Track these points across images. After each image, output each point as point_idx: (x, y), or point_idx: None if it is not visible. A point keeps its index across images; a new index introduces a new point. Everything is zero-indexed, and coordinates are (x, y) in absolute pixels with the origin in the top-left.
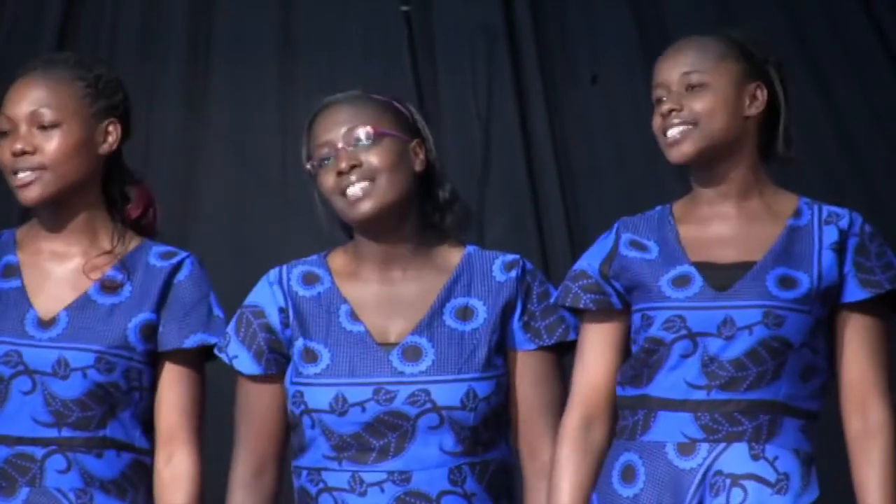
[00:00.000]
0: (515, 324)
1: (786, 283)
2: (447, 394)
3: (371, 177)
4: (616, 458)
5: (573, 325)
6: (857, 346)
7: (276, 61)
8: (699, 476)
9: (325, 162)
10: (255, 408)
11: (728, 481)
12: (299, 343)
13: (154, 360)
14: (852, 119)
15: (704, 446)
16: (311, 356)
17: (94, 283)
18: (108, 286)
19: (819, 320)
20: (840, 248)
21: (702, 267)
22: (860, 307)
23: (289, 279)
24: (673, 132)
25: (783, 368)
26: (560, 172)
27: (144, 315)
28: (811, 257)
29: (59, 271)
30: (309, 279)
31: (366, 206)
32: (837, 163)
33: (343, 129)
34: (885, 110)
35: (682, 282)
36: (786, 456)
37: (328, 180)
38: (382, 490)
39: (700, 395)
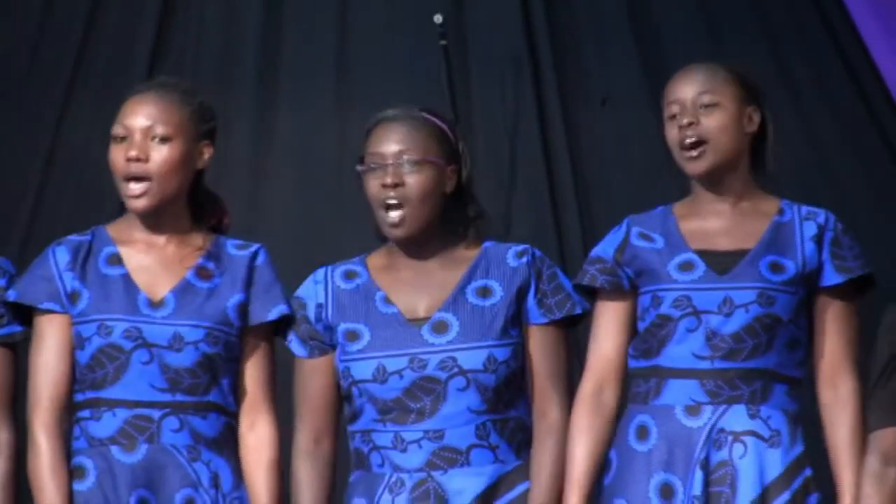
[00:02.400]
0: (530, 301)
1: (776, 268)
2: (471, 358)
3: (407, 199)
4: (631, 421)
5: (578, 301)
6: (831, 324)
7: (333, 85)
8: (705, 433)
9: (374, 170)
10: (309, 385)
11: (730, 437)
12: (341, 327)
13: (241, 335)
14: (822, 132)
15: (709, 408)
16: (353, 336)
17: (189, 270)
18: (203, 274)
19: (801, 300)
20: (818, 240)
21: (702, 254)
22: (834, 291)
23: (333, 277)
24: (692, 152)
25: (774, 341)
26: (576, 182)
27: (238, 296)
28: (795, 247)
29: (155, 260)
30: (349, 275)
31: (399, 232)
32: (810, 171)
33: (395, 148)
34: (850, 125)
35: (686, 267)
36: (777, 415)
37: (373, 186)
38: (420, 446)
39: (705, 364)
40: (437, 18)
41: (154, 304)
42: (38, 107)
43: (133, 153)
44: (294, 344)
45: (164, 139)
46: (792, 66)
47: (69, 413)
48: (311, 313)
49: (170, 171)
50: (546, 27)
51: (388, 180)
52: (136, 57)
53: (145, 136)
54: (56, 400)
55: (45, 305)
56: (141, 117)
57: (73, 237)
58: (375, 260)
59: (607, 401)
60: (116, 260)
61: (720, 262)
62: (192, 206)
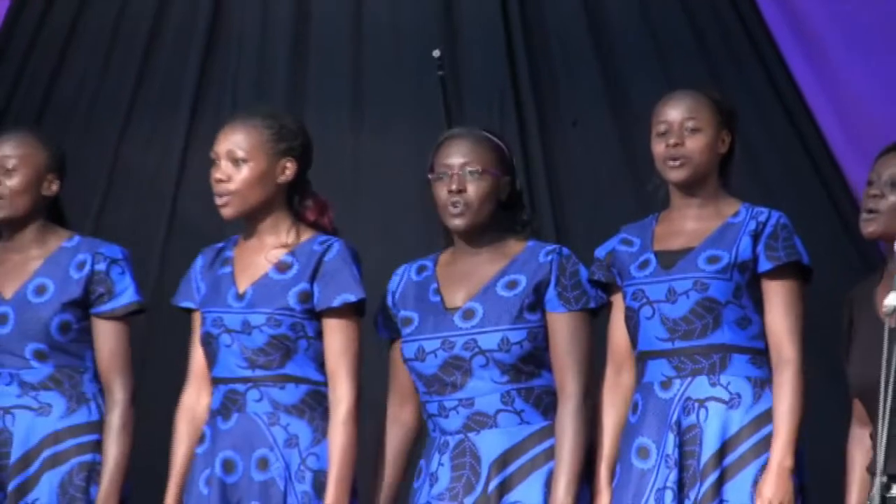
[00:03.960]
0: (551, 293)
1: (712, 259)
2: (488, 340)
3: (468, 204)
4: (631, 399)
5: (594, 296)
6: (774, 303)
7: (348, 110)
8: (675, 402)
9: (442, 177)
10: (393, 363)
11: (696, 404)
12: (401, 314)
13: (316, 317)
14: (754, 144)
15: (677, 381)
16: (407, 322)
17: (272, 267)
18: (281, 267)
19: (740, 285)
20: (756, 235)
21: (658, 253)
22: (774, 275)
23: (409, 271)
24: (673, 164)
25: (720, 320)
26: (551, 192)
27: (302, 285)
28: (735, 242)
29: (255, 260)
30: (421, 269)
31: (460, 222)
32: (744, 177)
33: (461, 160)
34: (778, 141)
35: (644, 265)
36: (737, 381)
37: (441, 192)
38: (457, 413)
39: (668, 345)
40: (436, 53)
41: (239, 297)
42: (101, 128)
43: (217, 175)
44: (380, 329)
45: (243, 161)
46: (730, 91)
47: (209, 390)
48: (390, 301)
49: (247, 188)
50: (526, 61)
51: (454, 187)
52: (184, 88)
53: (228, 159)
54: (195, 379)
55: (182, 304)
56: (224, 144)
57: (215, 245)
58: (443, 257)
59: (625, 381)
60: (228, 262)
61: (668, 259)
62: (292, 208)
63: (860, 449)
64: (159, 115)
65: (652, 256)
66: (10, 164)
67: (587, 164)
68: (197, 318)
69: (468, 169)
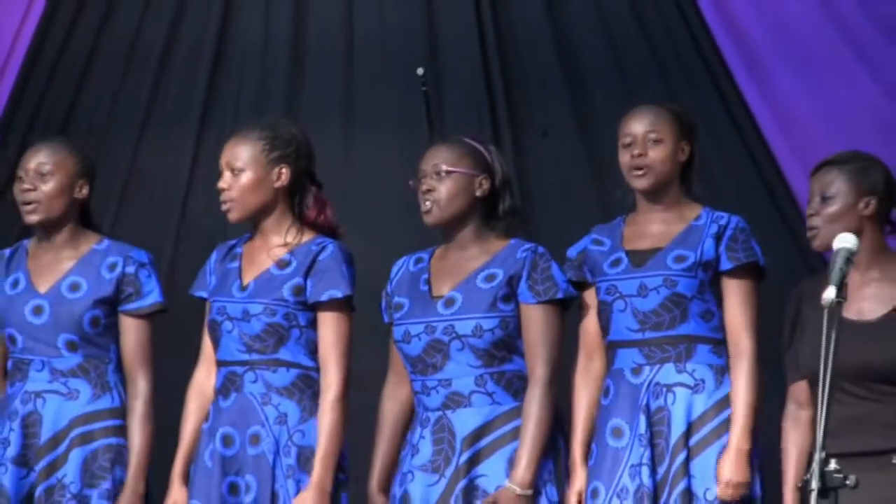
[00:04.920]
0: (522, 286)
1: (679, 259)
2: (464, 326)
3: (436, 200)
4: (602, 384)
5: (563, 289)
6: (732, 298)
7: (340, 122)
8: (645, 387)
9: (419, 181)
10: (391, 343)
11: (664, 389)
12: (395, 299)
13: (309, 308)
14: (705, 155)
15: (647, 368)
16: (399, 307)
17: (273, 264)
18: (281, 265)
19: (703, 282)
20: (718, 237)
21: (629, 252)
22: (732, 273)
23: (409, 262)
24: (638, 173)
25: (687, 313)
26: (522, 195)
27: (296, 280)
28: (699, 243)
29: (259, 257)
30: (418, 261)
31: (428, 219)
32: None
33: (432, 163)
34: (724, 150)
35: (616, 263)
36: (701, 368)
37: (419, 193)
38: (437, 392)
39: (638, 335)
40: (420, 72)
41: (242, 289)
42: (118, 138)
43: (220, 184)
44: (383, 313)
45: (240, 170)
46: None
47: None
48: (389, 288)
49: (244, 194)
50: (501, 78)
51: (424, 187)
52: (193, 101)
53: (228, 169)
54: (205, 360)
55: (196, 293)
56: (226, 155)
57: (229, 241)
58: (438, 251)
59: (596, 367)
60: (237, 257)
61: (639, 258)
62: (295, 208)
63: (795, 426)
64: (171, 125)
65: (623, 255)
66: (46, 169)
67: (556, 170)
68: (208, 307)
69: (436, 170)
